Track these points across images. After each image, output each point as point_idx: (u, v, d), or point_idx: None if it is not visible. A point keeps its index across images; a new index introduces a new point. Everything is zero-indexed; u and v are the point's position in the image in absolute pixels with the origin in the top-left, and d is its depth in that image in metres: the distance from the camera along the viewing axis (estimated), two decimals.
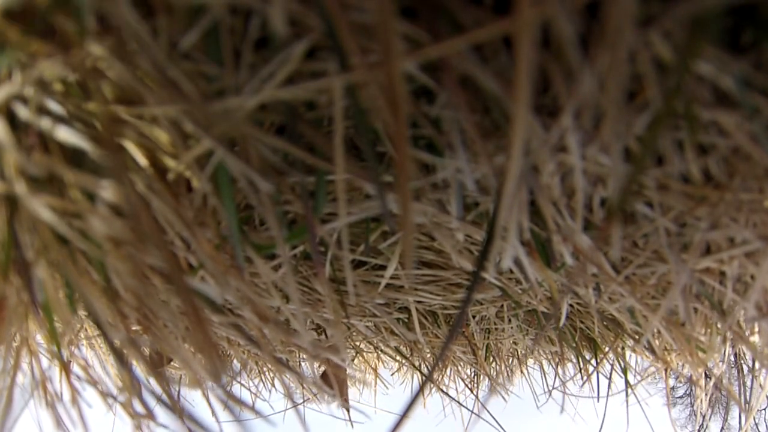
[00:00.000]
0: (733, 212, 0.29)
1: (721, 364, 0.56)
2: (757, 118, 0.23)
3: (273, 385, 0.82)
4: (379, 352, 0.74)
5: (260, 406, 0.82)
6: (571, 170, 0.25)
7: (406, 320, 0.54)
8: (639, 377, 0.67)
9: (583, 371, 0.66)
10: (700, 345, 0.45)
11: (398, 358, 0.70)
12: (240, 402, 0.26)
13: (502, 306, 0.55)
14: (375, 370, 0.91)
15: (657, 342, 0.53)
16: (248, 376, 0.83)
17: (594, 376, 0.67)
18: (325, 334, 0.54)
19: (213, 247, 0.26)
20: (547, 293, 0.44)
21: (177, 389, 0.58)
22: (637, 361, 0.67)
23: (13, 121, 0.22)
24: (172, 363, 0.61)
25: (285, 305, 0.35)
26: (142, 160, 0.23)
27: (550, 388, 0.79)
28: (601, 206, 0.30)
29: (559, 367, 0.74)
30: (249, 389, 0.84)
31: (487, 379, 0.75)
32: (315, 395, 0.63)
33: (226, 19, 0.20)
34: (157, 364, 0.56)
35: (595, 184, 0.28)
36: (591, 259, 0.32)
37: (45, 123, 0.22)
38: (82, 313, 0.36)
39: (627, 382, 0.64)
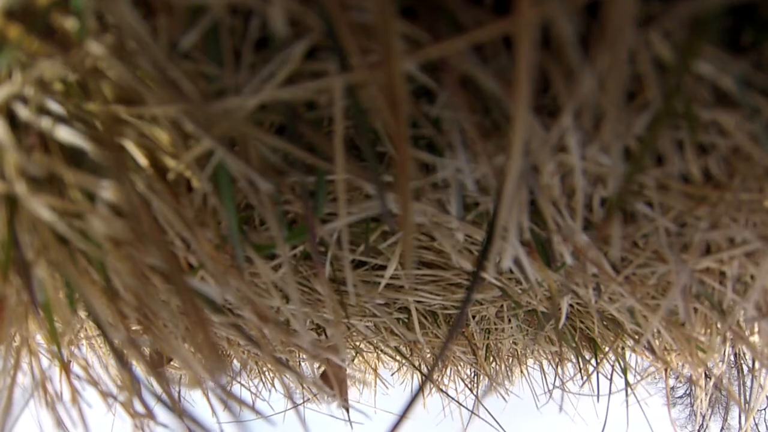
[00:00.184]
0: (733, 212, 0.29)
1: (721, 364, 0.56)
2: (757, 118, 0.23)
3: (273, 385, 0.82)
4: (379, 352, 0.74)
5: (260, 406, 0.82)
6: (571, 170, 0.25)
7: (406, 320, 0.54)
8: (639, 377, 0.67)
9: (583, 371, 0.66)
10: (700, 345, 0.45)
11: (398, 358, 0.70)
12: (240, 402, 0.26)
13: (502, 306, 0.55)
14: (375, 370, 0.91)
15: (657, 342, 0.53)
16: (248, 376, 0.83)
17: (594, 376, 0.67)
18: (325, 334, 0.54)
19: (213, 247, 0.26)
20: (547, 293, 0.44)
21: (177, 389, 0.58)
22: (637, 361, 0.67)
23: (13, 121, 0.22)
24: (172, 363, 0.61)
25: (285, 305, 0.35)
26: (142, 160, 0.23)
27: (550, 388, 0.79)
28: (601, 206, 0.30)
29: (558, 367, 0.74)
30: (249, 389, 0.84)
31: (486, 379, 0.75)
32: (315, 395, 0.63)
33: (226, 19, 0.20)
34: (157, 364, 0.56)
35: (595, 184, 0.28)
36: (591, 259, 0.32)
37: (45, 123, 0.22)
38: (82, 313, 0.36)
39: (627, 382, 0.64)
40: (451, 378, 0.84)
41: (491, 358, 0.74)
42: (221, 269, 0.26)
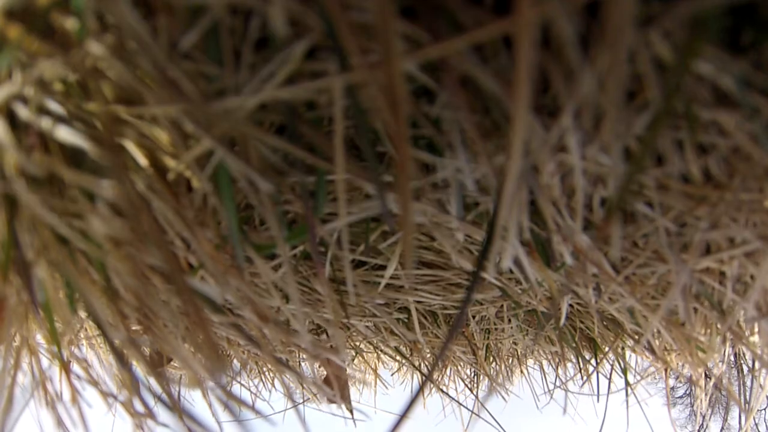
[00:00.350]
0: (733, 212, 0.29)
1: (721, 364, 0.56)
2: (757, 118, 0.23)
3: (273, 385, 0.82)
4: (379, 352, 0.74)
5: (260, 406, 0.82)
6: (571, 170, 0.25)
7: (405, 320, 0.54)
8: (639, 377, 0.67)
9: (583, 371, 0.66)
10: (700, 345, 0.45)
11: (398, 358, 0.70)
12: (240, 402, 0.26)
13: (502, 306, 0.55)
14: (375, 370, 0.91)
15: (657, 342, 0.53)
16: (248, 375, 0.83)
17: (594, 376, 0.67)
18: (326, 334, 0.54)
19: (213, 247, 0.26)
20: (547, 293, 0.44)
21: (177, 389, 0.58)
22: (637, 361, 0.67)
23: (13, 121, 0.22)
24: (172, 363, 0.61)
25: (285, 305, 0.35)
26: (142, 160, 0.23)
27: (550, 388, 0.79)
28: (601, 206, 0.30)
29: (559, 367, 0.74)
30: (249, 389, 0.84)
31: (487, 379, 0.75)
32: (315, 395, 0.63)
33: (226, 19, 0.20)
34: (157, 364, 0.56)
35: (595, 184, 0.28)
36: (591, 259, 0.32)
37: (45, 123, 0.22)
38: (82, 313, 0.36)
39: (627, 382, 0.64)
40: (451, 378, 0.84)
41: (491, 358, 0.74)
42: (221, 269, 0.26)
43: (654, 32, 0.19)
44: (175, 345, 0.29)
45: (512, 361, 0.81)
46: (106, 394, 0.35)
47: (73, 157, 0.23)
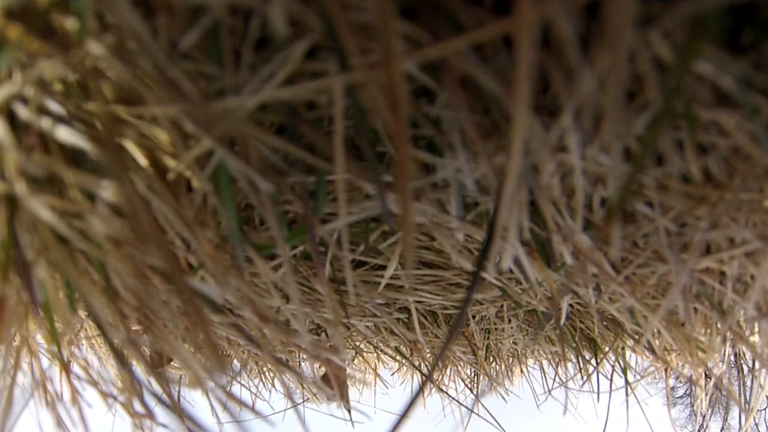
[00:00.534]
0: (733, 212, 0.29)
1: (721, 364, 0.56)
2: (757, 118, 0.23)
3: (273, 385, 0.82)
4: (379, 352, 0.74)
5: (260, 406, 0.82)
6: (571, 170, 0.25)
7: (406, 320, 0.54)
8: (639, 377, 0.67)
9: (583, 371, 0.66)
10: (700, 345, 0.45)
11: (398, 358, 0.70)
12: (240, 402, 0.26)
13: (502, 306, 0.55)
14: (375, 370, 0.91)
15: (657, 342, 0.53)
16: (248, 376, 0.83)
17: (594, 376, 0.67)
18: (325, 334, 0.54)
19: (213, 247, 0.26)
20: (547, 293, 0.44)
21: (177, 389, 0.58)
22: (637, 361, 0.67)
23: (13, 121, 0.22)
24: (172, 363, 0.61)
25: (285, 305, 0.35)
26: (142, 160, 0.23)
27: (550, 388, 0.79)
28: (601, 206, 0.30)
29: (559, 367, 0.74)
30: (249, 389, 0.84)
31: (487, 379, 0.75)
32: (315, 395, 0.63)
33: (226, 19, 0.20)
34: (157, 364, 0.56)
35: (595, 184, 0.28)
36: (591, 259, 0.32)
37: (45, 123, 0.22)
38: (82, 313, 0.36)
39: (627, 382, 0.64)
40: (451, 378, 0.84)
41: (491, 358, 0.74)
42: (221, 269, 0.26)
43: (654, 32, 0.19)
44: (175, 345, 0.29)
45: (512, 360, 0.81)
46: (105, 395, 0.35)
47: (73, 157, 0.23)
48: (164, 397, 0.27)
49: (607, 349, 0.61)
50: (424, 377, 0.72)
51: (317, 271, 0.39)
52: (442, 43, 0.18)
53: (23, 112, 0.22)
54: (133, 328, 0.28)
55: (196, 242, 0.25)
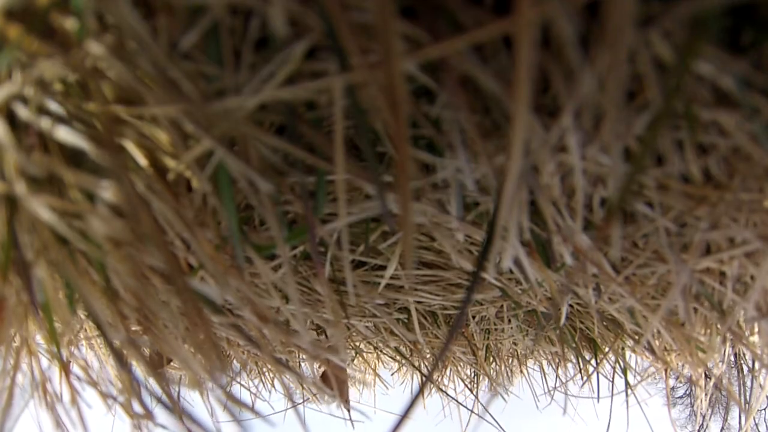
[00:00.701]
0: (733, 212, 0.29)
1: (721, 364, 0.56)
2: (757, 118, 0.23)
3: (273, 385, 0.82)
4: (379, 353, 0.74)
5: (260, 407, 0.82)
6: (571, 170, 0.25)
7: (405, 321, 0.54)
8: (639, 377, 0.67)
9: (583, 372, 0.66)
10: (700, 345, 0.45)
11: (398, 358, 0.70)
12: (239, 402, 0.26)
13: (502, 306, 0.55)
14: (375, 370, 0.91)
15: (657, 342, 0.53)
16: (248, 376, 0.83)
17: (594, 377, 0.67)
18: (325, 335, 0.54)
19: (213, 248, 0.26)
20: (547, 293, 0.44)
21: (176, 390, 0.58)
22: (637, 362, 0.67)
23: (13, 121, 0.22)
24: (171, 363, 0.61)
25: (285, 306, 0.35)
26: (142, 160, 0.23)
27: (550, 388, 0.79)
28: (601, 206, 0.30)
29: (559, 367, 0.74)
30: (249, 389, 0.84)
31: (487, 379, 0.75)
32: (315, 395, 0.63)
33: (226, 19, 0.20)
34: (156, 365, 0.56)
35: (595, 184, 0.28)
36: (591, 259, 0.32)
37: (45, 123, 0.22)
38: (81, 313, 0.36)
39: (627, 382, 0.64)
40: (451, 378, 0.84)
41: (491, 359, 0.74)
42: (221, 270, 0.26)
43: (654, 32, 0.19)
44: (175, 345, 0.29)
45: (512, 361, 0.81)
46: (105, 395, 0.35)
47: (73, 157, 0.23)
48: (164, 397, 0.27)
49: (607, 349, 0.61)
50: (424, 377, 0.72)
51: (317, 272, 0.39)
52: (442, 43, 0.18)
53: (23, 112, 0.22)
54: (133, 328, 0.28)
55: (196, 243, 0.25)
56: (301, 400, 0.66)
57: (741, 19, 0.21)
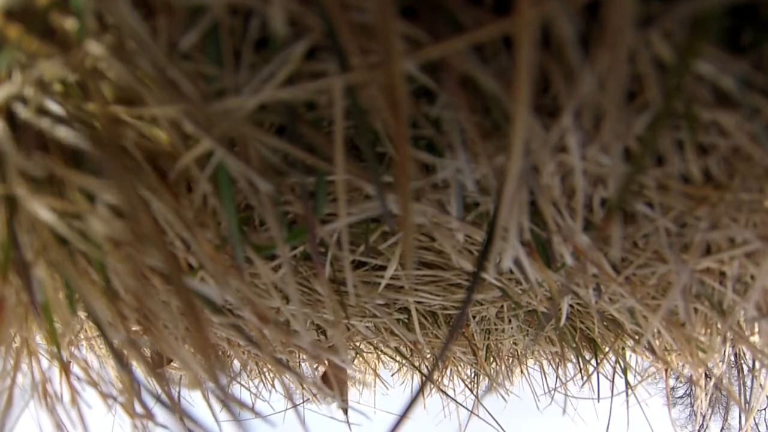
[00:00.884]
0: (733, 212, 0.29)
1: (721, 364, 0.56)
2: (757, 118, 0.23)
3: (273, 385, 0.82)
4: (379, 353, 0.74)
5: (260, 407, 0.82)
6: (571, 170, 0.25)
7: (406, 321, 0.54)
8: (639, 377, 0.67)
9: (583, 372, 0.66)
10: (700, 345, 0.45)
11: (398, 358, 0.70)
12: (240, 402, 0.26)
13: (502, 306, 0.55)
14: (375, 370, 0.90)
15: (657, 342, 0.53)
16: (248, 376, 0.83)
17: (594, 377, 0.67)
18: (325, 335, 0.54)
19: (213, 248, 0.26)
20: (548, 294, 0.43)
21: (177, 390, 0.58)
22: (637, 362, 0.67)
23: (13, 121, 0.22)
24: (171, 363, 0.61)
25: (285, 306, 0.35)
26: (142, 160, 0.23)
27: (550, 388, 0.79)
28: (601, 206, 0.30)
29: (559, 367, 0.74)
30: (249, 390, 0.84)
31: (487, 379, 0.75)
32: (315, 396, 0.63)
33: (226, 19, 0.20)
34: (156, 365, 0.56)
35: (595, 184, 0.28)
36: (591, 259, 0.32)
37: (45, 123, 0.22)
38: (81, 313, 0.36)
39: (627, 382, 0.64)
40: (451, 378, 0.84)
41: (491, 359, 0.74)
42: (221, 270, 0.26)
43: (654, 32, 0.19)
44: (175, 346, 0.29)
45: (512, 361, 0.81)
46: (105, 395, 0.35)
47: (73, 157, 0.23)
48: (164, 397, 0.27)
49: (607, 349, 0.61)
50: (424, 377, 0.72)
51: (317, 272, 0.39)
52: (442, 43, 0.18)
53: (23, 112, 0.22)
54: (133, 328, 0.28)
55: (196, 243, 0.25)
56: (301, 401, 0.66)
57: (741, 19, 0.21)
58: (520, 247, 0.29)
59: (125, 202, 0.21)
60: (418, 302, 0.48)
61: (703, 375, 0.62)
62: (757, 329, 0.47)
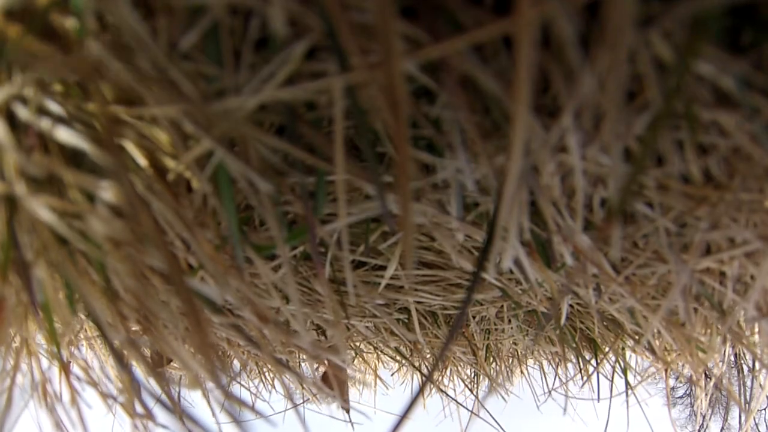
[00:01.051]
0: (733, 212, 0.29)
1: (721, 364, 0.56)
2: (757, 118, 0.23)
3: (273, 385, 0.82)
4: (379, 353, 0.74)
5: (260, 407, 0.82)
6: (571, 170, 0.25)
7: (406, 321, 0.54)
8: (639, 377, 0.67)
9: (583, 371, 0.66)
10: (700, 345, 0.45)
11: (398, 358, 0.70)
12: (240, 402, 0.26)
13: (502, 306, 0.55)
14: (375, 370, 0.90)
15: (657, 342, 0.53)
16: (248, 376, 0.83)
17: (594, 377, 0.67)
18: (325, 335, 0.54)
19: (213, 248, 0.26)
20: (547, 294, 0.43)
21: (177, 390, 0.58)
22: (637, 362, 0.67)
23: (13, 121, 0.22)
24: (171, 363, 0.61)
25: (285, 306, 0.35)
26: (142, 160, 0.23)
27: (550, 388, 0.79)
28: (601, 206, 0.30)
29: (559, 367, 0.74)
30: (249, 390, 0.84)
31: (487, 379, 0.75)
32: (315, 396, 0.63)
33: (226, 19, 0.20)
34: (156, 365, 0.56)
35: (595, 184, 0.28)
36: (591, 259, 0.32)
37: (45, 123, 0.22)
38: (81, 313, 0.36)
39: (627, 382, 0.64)
40: (451, 378, 0.84)
41: (491, 359, 0.74)
42: (221, 270, 0.26)
43: (654, 32, 0.19)
44: (175, 346, 0.29)
45: (512, 361, 0.81)
46: (105, 395, 0.35)
47: (73, 157, 0.23)
48: (164, 397, 0.27)
49: (607, 349, 0.61)
50: (424, 378, 0.72)
51: (317, 272, 0.39)
52: (442, 43, 0.18)
53: (23, 112, 0.22)
54: (133, 328, 0.28)
55: (195, 243, 0.25)
56: (301, 401, 0.66)
57: (741, 19, 0.21)
58: (520, 247, 0.29)
59: (125, 202, 0.21)
60: (418, 302, 0.48)
61: (703, 375, 0.62)
62: (757, 329, 0.47)
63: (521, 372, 0.85)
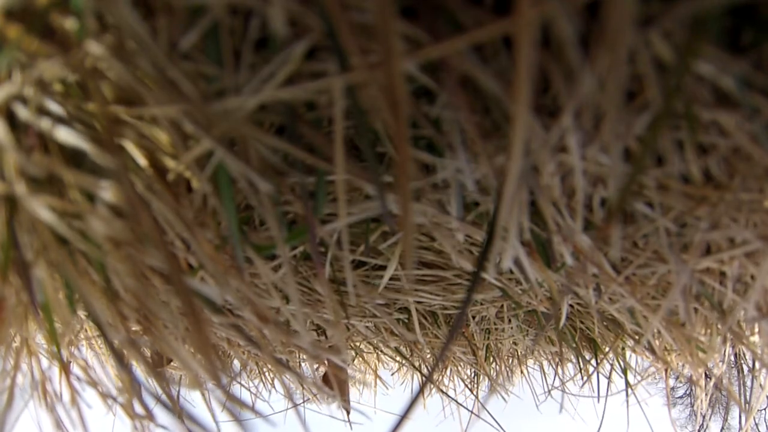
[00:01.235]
0: (733, 212, 0.29)
1: (721, 364, 0.56)
2: (757, 118, 0.23)
3: (273, 385, 0.82)
4: (379, 353, 0.74)
5: (260, 407, 0.82)
6: (571, 170, 0.25)
7: (406, 321, 0.54)
8: (639, 377, 0.67)
9: (583, 371, 0.66)
10: (700, 345, 0.45)
11: (398, 358, 0.70)
12: (240, 402, 0.26)
13: (502, 306, 0.55)
14: (375, 370, 0.90)
15: (657, 342, 0.53)
16: (248, 376, 0.83)
17: (594, 377, 0.67)
18: (325, 335, 0.54)
19: (213, 248, 0.26)
20: (547, 294, 0.43)
21: (177, 390, 0.58)
22: (637, 362, 0.67)
23: (13, 121, 0.22)
24: (171, 363, 0.61)
25: (285, 306, 0.35)
26: (142, 160, 0.23)
27: (550, 388, 0.79)
28: (601, 206, 0.30)
29: (559, 367, 0.74)
30: (249, 390, 0.84)
31: (487, 379, 0.75)
32: (315, 396, 0.63)
33: (226, 19, 0.20)
34: (156, 365, 0.56)
35: (595, 184, 0.28)
36: (591, 259, 0.32)
37: (45, 123, 0.22)
38: (81, 313, 0.36)
39: (627, 382, 0.64)
40: (451, 378, 0.84)
41: (491, 359, 0.74)
42: (221, 270, 0.26)
43: (654, 32, 0.19)
44: (175, 346, 0.29)
45: (512, 361, 0.81)
46: (105, 395, 0.35)
47: (73, 157, 0.23)
48: (164, 397, 0.27)
49: (607, 349, 0.61)
50: (424, 378, 0.72)
51: (317, 272, 0.39)
52: (442, 43, 0.18)
53: (23, 112, 0.22)
54: (133, 328, 0.28)
55: (195, 243, 0.25)
56: (301, 401, 0.66)
57: (741, 19, 0.21)
58: (520, 247, 0.29)
59: (125, 202, 0.21)
60: (418, 302, 0.48)
61: (703, 375, 0.62)
62: (757, 329, 0.47)
63: (521, 372, 0.85)
